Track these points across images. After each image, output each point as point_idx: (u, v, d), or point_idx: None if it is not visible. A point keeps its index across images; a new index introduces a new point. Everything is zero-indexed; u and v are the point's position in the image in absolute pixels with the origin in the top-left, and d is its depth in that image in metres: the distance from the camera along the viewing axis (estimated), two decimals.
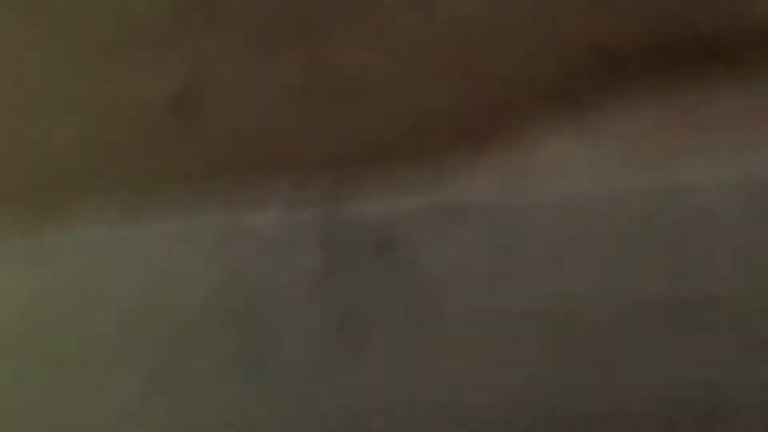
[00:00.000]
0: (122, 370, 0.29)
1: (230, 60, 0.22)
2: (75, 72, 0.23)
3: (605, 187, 0.26)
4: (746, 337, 0.29)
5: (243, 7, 0.21)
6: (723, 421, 0.30)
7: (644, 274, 0.27)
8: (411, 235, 0.27)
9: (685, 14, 0.22)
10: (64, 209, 0.26)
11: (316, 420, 0.31)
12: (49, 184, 0.25)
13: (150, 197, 0.25)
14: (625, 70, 0.23)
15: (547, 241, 0.27)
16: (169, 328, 0.28)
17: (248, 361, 0.29)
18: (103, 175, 0.25)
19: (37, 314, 0.28)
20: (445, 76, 0.23)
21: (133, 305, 0.27)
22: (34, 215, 0.26)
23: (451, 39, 0.22)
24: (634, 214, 0.26)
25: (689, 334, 0.28)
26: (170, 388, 0.30)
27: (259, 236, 0.26)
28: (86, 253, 0.26)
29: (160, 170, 0.25)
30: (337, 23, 0.21)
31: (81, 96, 0.24)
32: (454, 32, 0.22)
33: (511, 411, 0.30)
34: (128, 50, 0.22)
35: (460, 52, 0.23)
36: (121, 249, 0.26)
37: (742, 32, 0.23)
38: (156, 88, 0.23)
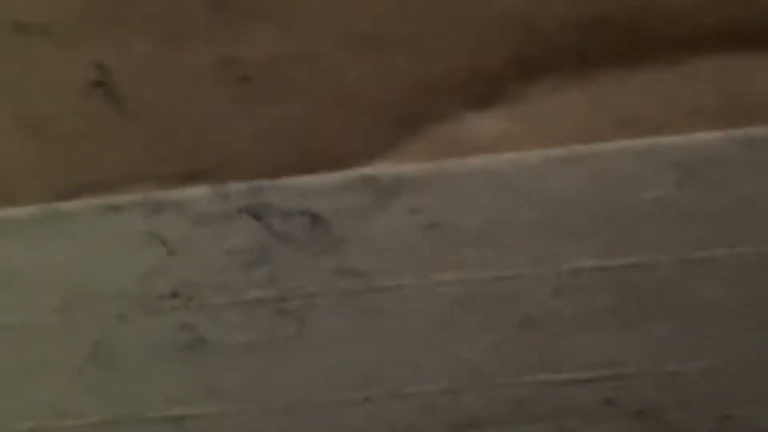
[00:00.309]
0: (63, 346, 0.29)
1: (144, 51, 0.22)
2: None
3: (533, 160, 0.26)
4: (682, 305, 0.29)
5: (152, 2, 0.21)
6: (664, 394, 0.31)
7: (576, 245, 0.28)
8: (343, 210, 0.27)
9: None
10: None
11: (258, 396, 0.31)
12: None
13: (79, 177, 0.25)
14: (552, 52, 0.23)
15: (478, 215, 0.27)
16: (108, 305, 0.28)
17: (189, 338, 0.29)
18: (33, 154, 0.24)
19: None
20: (366, 56, 0.23)
21: (70, 281, 0.27)
22: None
23: (367, 15, 0.22)
24: (563, 186, 0.26)
25: (620, 302, 0.29)
26: (111, 367, 0.30)
27: (191, 210, 0.26)
28: (21, 232, 0.26)
29: (87, 150, 0.25)
30: (247, 13, 0.21)
31: (5, 78, 0.24)
32: (368, 8, 0.22)
33: (455, 388, 0.30)
34: (47, 34, 0.22)
35: (379, 30, 0.23)
36: (54, 227, 0.26)
37: (663, 18, 0.23)
38: (74, 73, 0.23)
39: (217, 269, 0.28)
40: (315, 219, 0.27)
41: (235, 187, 0.26)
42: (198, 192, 0.26)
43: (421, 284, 0.28)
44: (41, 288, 0.28)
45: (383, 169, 0.26)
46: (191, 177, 0.25)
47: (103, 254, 0.27)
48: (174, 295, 0.28)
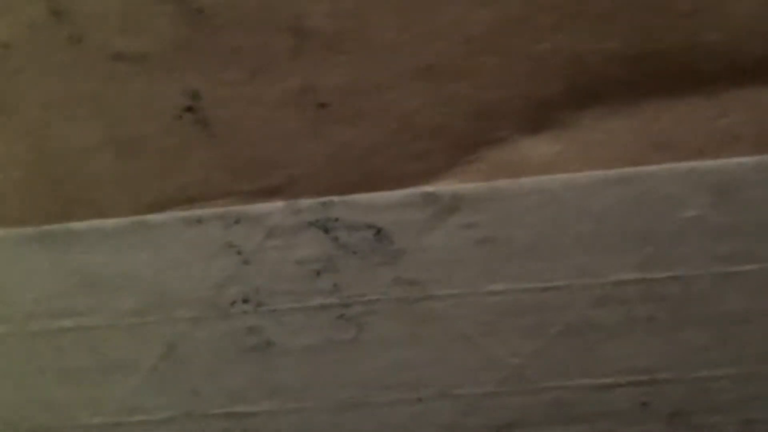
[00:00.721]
0: (139, 347, 0.31)
1: (232, 80, 0.24)
2: (99, 81, 0.25)
3: (580, 181, 0.28)
4: (714, 315, 0.31)
5: (241, 36, 0.23)
6: (694, 398, 0.33)
7: (618, 259, 0.30)
8: (404, 224, 0.29)
9: (654, 31, 0.25)
10: (87, 202, 0.28)
11: (318, 397, 0.33)
12: (72, 180, 0.28)
13: (165, 192, 0.27)
14: (598, 81, 0.26)
15: (529, 231, 0.29)
16: (184, 309, 0.31)
17: (256, 340, 0.31)
18: (121, 171, 0.27)
19: (64, 295, 0.30)
20: (429, 85, 0.25)
21: (149, 287, 0.30)
22: (61, 207, 0.28)
23: (432, 50, 0.24)
24: (608, 205, 0.28)
25: (657, 312, 0.31)
26: (183, 367, 0.32)
27: (265, 224, 0.28)
28: (108, 241, 0.28)
29: (174, 168, 0.27)
30: (327, 48, 0.23)
31: (103, 101, 0.26)
32: (434, 44, 0.24)
33: (499, 390, 0.32)
34: (144, 63, 0.24)
35: (443, 63, 0.25)
36: (139, 236, 0.28)
37: (703, 52, 0.25)
38: (167, 98, 0.25)
39: (286, 277, 0.30)
40: (378, 232, 0.29)
41: (306, 202, 0.28)
42: (273, 207, 0.28)
43: (472, 293, 0.30)
44: (121, 292, 0.30)
45: (442, 187, 0.28)
46: (268, 193, 0.27)
47: (183, 262, 0.29)
48: (245, 300, 0.30)
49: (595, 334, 0.31)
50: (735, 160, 0.28)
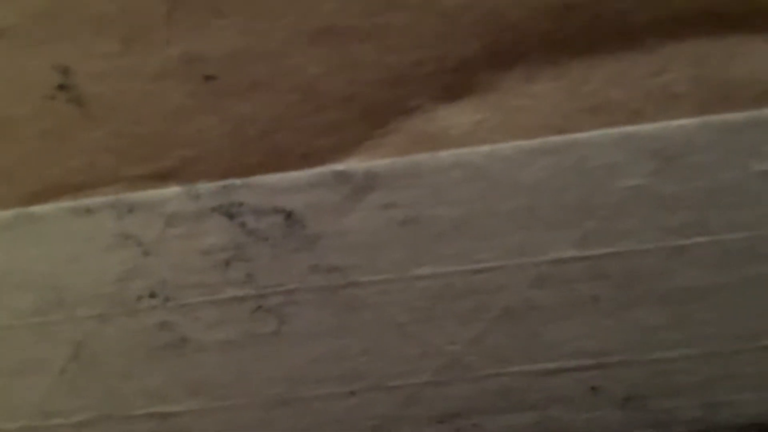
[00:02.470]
0: (46, 348, 0.29)
1: (106, 52, 0.21)
2: None
3: (507, 152, 0.25)
4: (665, 293, 0.28)
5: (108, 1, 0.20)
6: (649, 382, 0.30)
7: (555, 235, 0.26)
8: (316, 207, 0.26)
9: None
10: None
11: (244, 394, 0.30)
12: None
13: (47, 180, 0.24)
14: (519, 38, 0.22)
15: (454, 209, 0.26)
16: (87, 307, 0.28)
17: (169, 337, 0.29)
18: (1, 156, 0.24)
19: None
20: (330, 50, 0.22)
21: (47, 284, 0.27)
22: None
23: (327, 9, 0.21)
24: (539, 177, 0.25)
25: (602, 291, 0.28)
26: (95, 367, 0.29)
27: (162, 212, 0.25)
28: None
29: (54, 154, 0.24)
30: (205, 11, 0.20)
31: None
32: (327, 2, 0.21)
33: (438, 380, 0.30)
34: (6, 38, 0.21)
35: (341, 24, 0.22)
36: (26, 230, 0.25)
37: (636, 3, 0.22)
38: (36, 76, 0.22)
39: (192, 269, 0.27)
40: (289, 216, 0.26)
41: (205, 186, 0.25)
42: (169, 192, 0.25)
43: (400, 278, 0.27)
44: (19, 291, 0.27)
45: (355, 164, 0.25)
46: (161, 177, 0.24)
47: (77, 256, 0.26)
48: (152, 295, 0.27)
49: (537, 317, 0.28)
50: (677, 122, 0.24)
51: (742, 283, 0.28)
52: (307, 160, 0.24)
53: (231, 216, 0.26)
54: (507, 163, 0.25)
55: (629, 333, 0.29)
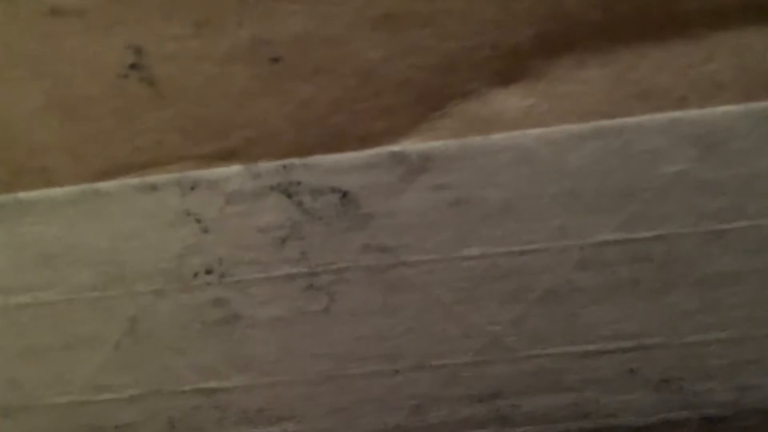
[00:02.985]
0: (102, 323, 0.29)
1: (177, 34, 0.22)
2: (36, 39, 0.23)
3: (556, 136, 0.25)
4: (703, 277, 0.29)
5: None
6: (684, 364, 0.30)
7: (599, 218, 0.27)
8: (371, 187, 0.26)
9: None
10: (35, 171, 0.26)
11: (291, 370, 0.31)
12: (18, 148, 0.25)
13: (115, 158, 0.25)
14: (571, 26, 0.23)
15: (503, 191, 0.27)
16: (145, 282, 0.29)
17: (222, 313, 0.29)
18: (68, 136, 0.24)
19: (19, 269, 0.28)
20: (390, 36, 0.23)
21: (108, 259, 0.28)
22: (8, 177, 0.26)
23: (397, 1, 0.22)
24: (585, 161, 0.26)
25: (642, 274, 0.28)
26: (148, 342, 0.30)
27: (224, 190, 0.26)
28: (59, 212, 0.26)
29: (123, 132, 0.25)
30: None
31: (43, 62, 0.24)
32: None
33: (479, 360, 0.30)
34: (82, 18, 0.22)
35: (402, 11, 0.23)
36: (92, 206, 0.26)
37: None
38: (110, 56, 0.23)
39: (249, 246, 0.28)
40: (344, 196, 0.27)
41: (266, 166, 0.26)
42: (231, 171, 0.26)
43: (446, 259, 0.28)
44: (78, 265, 0.28)
45: (409, 146, 0.26)
46: (224, 156, 0.25)
47: (139, 232, 0.27)
48: (208, 271, 0.28)
49: (577, 299, 0.29)
50: (721, 109, 0.25)
51: None
52: (363, 141, 0.25)
53: (289, 195, 0.27)
54: (555, 147, 0.26)
55: (666, 316, 0.29)
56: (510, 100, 0.25)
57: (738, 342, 0.30)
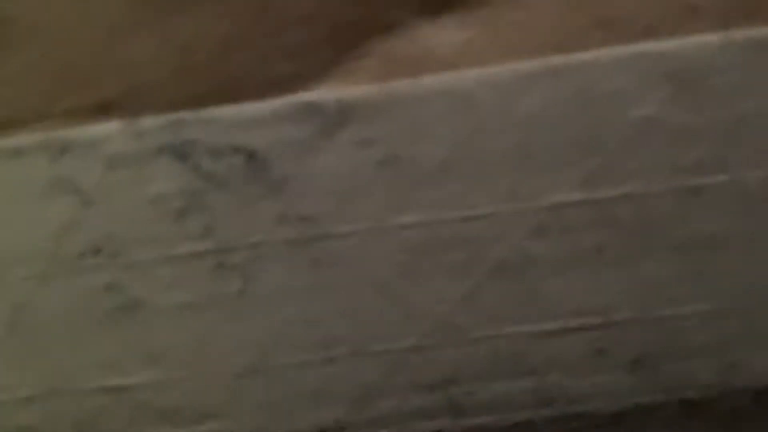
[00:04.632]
0: None
1: None
2: None
3: (500, 76, 0.21)
4: (679, 241, 0.25)
5: None
6: (661, 342, 0.27)
7: (556, 176, 0.23)
8: (281, 145, 0.22)
9: None
10: None
11: (210, 363, 0.27)
12: None
13: None
14: None
15: (440, 146, 0.23)
16: (22, 267, 0.24)
17: (119, 300, 0.25)
18: None
19: None
20: None
21: None
22: None
23: None
24: (538, 106, 0.22)
25: (608, 240, 0.25)
26: (37, 335, 0.26)
27: (101, 152, 0.21)
28: None
29: None
30: None
31: None
32: None
33: (426, 344, 0.27)
34: None
35: None
36: None
37: None
38: None
39: (142, 220, 0.23)
40: (250, 157, 0.22)
41: (150, 121, 0.21)
42: (107, 129, 0.21)
43: (379, 228, 0.24)
44: None
45: (324, 94, 0.21)
46: (98, 111, 0.21)
47: (8, 207, 0.23)
48: (96, 251, 0.24)
49: (535, 271, 0.25)
50: (695, 39, 0.21)
51: (764, 229, 0.25)
52: (266, 89, 0.21)
53: (182, 157, 0.22)
54: (500, 91, 0.22)
55: (638, 287, 0.26)
56: (443, 33, 0.21)
57: (721, 314, 0.27)
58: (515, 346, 0.27)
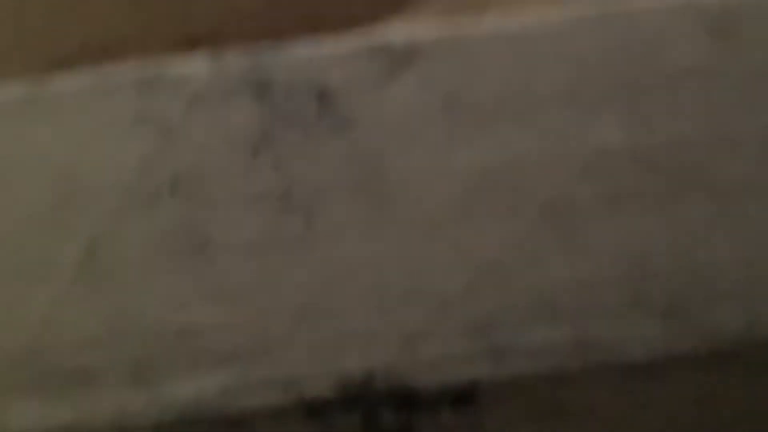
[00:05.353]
0: (54, 251, 0.26)
1: None
2: None
3: (555, 21, 0.23)
4: (717, 186, 0.26)
5: None
6: (693, 289, 0.28)
7: (602, 118, 0.25)
8: (351, 85, 0.24)
9: None
10: None
11: (267, 300, 0.28)
12: None
13: (62, 47, 0.22)
14: None
15: (495, 85, 0.24)
16: (101, 201, 0.25)
17: (189, 238, 0.26)
18: (10, 23, 0.21)
19: None
20: None
21: (55, 178, 0.24)
22: None
23: None
24: (588, 51, 0.23)
25: (648, 184, 0.26)
26: (106, 272, 0.27)
27: (187, 90, 0.23)
28: (4, 117, 0.23)
29: (66, 17, 0.22)
30: None
31: None
32: None
33: (472, 287, 0.27)
34: None
35: None
36: (41, 110, 0.23)
37: None
38: None
39: (217, 156, 0.25)
40: (322, 94, 0.24)
41: (234, 58, 0.23)
42: (193, 66, 0.23)
43: (436, 168, 0.25)
44: (26, 180, 0.25)
45: (393, 34, 0.23)
46: (186, 44, 0.22)
47: (94, 141, 0.24)
48: (173, 187, 0.25)
49: (578, 215, 0.26)
50: None
51: None
52: (343, 26, 0.22)
53: (260, 94, 0.24)
54: (554, 35, 0.23)
55: (675, 231, 0.27)
56: None
57: (751, 261, 0.28)
58: (556, 292, 0.28)
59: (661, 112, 0.25)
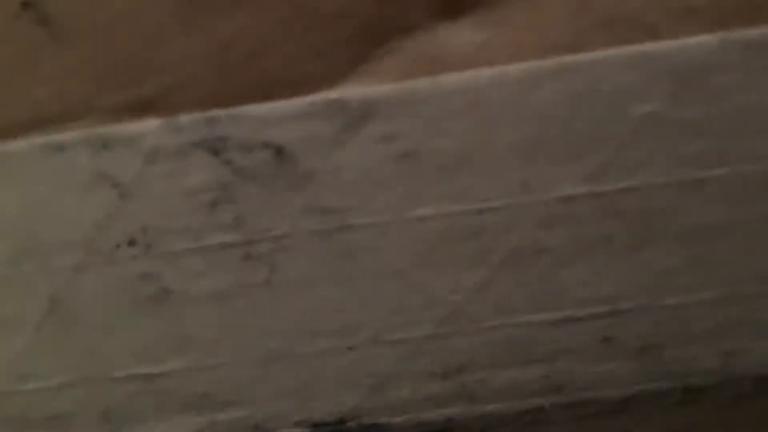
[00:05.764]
0: (18, 303, 0.26)
1: None
2: None
3: (513, 75, 0.22)
4: (682, 231, 0.26)
5: None
6: (665, 330, 0.28)
7: (564, 169, 0.24)
8: (308, 142, 0.23)
9: None
10: None
11: (236, 350, 0.28)
12: None
13: (15, 113, 0.22)
14: None
15: (455, 141, 0.24)
16: (62, 256, 0.25)
17: (152, 289, 0.26)
18: None
19: None
20: None
21: (18, 230, 0.24)
22: None
23: None
24: (548, 103, 0.23)
25: (615, 230, 0.26)
26: (73, 323, 0.27)
27: (143, 147, 0.23)
28: None
29: (20, 82, 0.21)
30: None
31: None
32: None
33: (441, 332, 0.27)
34: None
35: None
36: None
37: None
38: None
39: (176, 212, 0.25)
40: (279, 152, 0.24)
41: (187, 118, 0.23)
42: (148, 125, 0.23)
43: (398, 220, 0.25)
44: None
45: (349, 92, 0.23)
46: (138, 108, 0.22)
47: (50, 199, 0.24)
48: (131, 242, 0.25)
49: (545, 261, 0.26)
50: (695, 39, 0.22)
51: (764, 219, 0.26)
52: (297, 88, 0.22)
53: (216, 152, 0.23)
54: (511, 88, 0.23)
55: (643, 276, 0.27)
56: (460, 35, 0.22)
57: (723, 301, 0.28)
58: (526, 335, 0.28)
59: (624, 159, 0.24)
